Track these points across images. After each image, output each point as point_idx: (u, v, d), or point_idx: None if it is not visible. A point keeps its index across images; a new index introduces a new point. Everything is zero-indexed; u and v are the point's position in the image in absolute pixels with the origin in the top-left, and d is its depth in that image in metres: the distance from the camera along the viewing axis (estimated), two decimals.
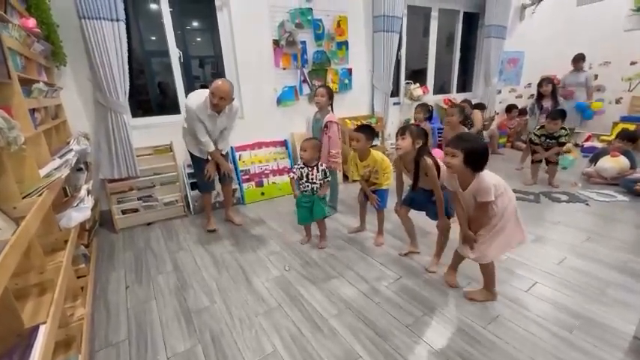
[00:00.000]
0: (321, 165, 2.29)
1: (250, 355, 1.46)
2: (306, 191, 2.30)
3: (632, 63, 5.02)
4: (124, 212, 2.88)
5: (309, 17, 3.49)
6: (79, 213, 1.61)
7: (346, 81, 3.95)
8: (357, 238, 2.52)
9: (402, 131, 1.89)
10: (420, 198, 2.02)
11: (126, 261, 2.35)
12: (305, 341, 1.53)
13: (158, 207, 3.00)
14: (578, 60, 4.70)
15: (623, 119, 4.94)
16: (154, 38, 4.25)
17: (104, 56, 2.53)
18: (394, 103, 4.51)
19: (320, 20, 3.57)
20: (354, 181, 3.71)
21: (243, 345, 1.52)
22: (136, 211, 2.92)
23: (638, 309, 1.54)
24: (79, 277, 1.70)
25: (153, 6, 3.20)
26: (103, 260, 2.37)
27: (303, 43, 3.53)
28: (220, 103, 2.30)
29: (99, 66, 2.53)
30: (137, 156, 2.88)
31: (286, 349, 1.48)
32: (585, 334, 1.49)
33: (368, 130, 2.21)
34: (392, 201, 2.37)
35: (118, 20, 2.54)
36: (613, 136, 4.71)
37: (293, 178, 2.33)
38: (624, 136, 3.53)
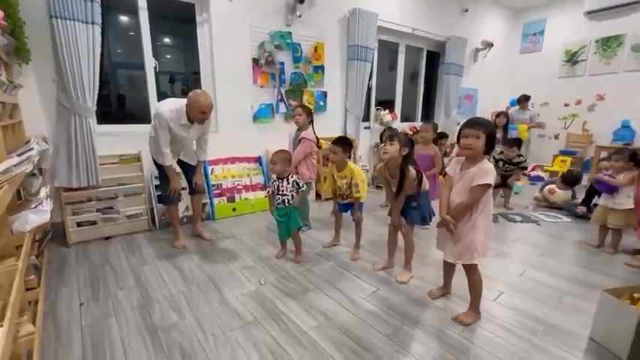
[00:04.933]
0: (292, 177, 2.30)
1: None
2: (279, 204, 2.29)
3: (566, 105, 5.80)
4: (79, 224, 2.63)
5: (288, 40, 3.64)
6: (37, 215, 1.46)
7: (321, 103, 4.10)
8: (332, 253, 2.51)
9: (390, 137, 1.89)
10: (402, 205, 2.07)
11: (79, 276, 2.12)
12: (285, 354, 1.46)
13: (119, 220, 2.78)
14: (523, 100, 5.34)
15: (562, 152, 5.62)
16: (119, 51, 4.16)
17: (74, 58, 2.42)
18: (365, 127, 4.73)
19: (298, 44, 3.73)
20: (327, 199, 3.79)
21: None
22: (93, 223, 2.68)
23: (590, 314, 1.68)
24: (27, 290, 1.50)
25: (130, 17, 3.16)
26: (52, 275, 2.11)
27: (282, 63, 3.65)
28: (205, 117, 2.28)
29: (67, 68, 2.41)
30: (100, 164, 2.69)
31: None
32: (548, 337, 1.59)
33: (344, 142, 2.28)
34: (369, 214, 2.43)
35: (93, 23, 2.47)
36: (553, 167, 5.32)
37: (269, 192, 2.32)
38: (566, 180, 3.85)
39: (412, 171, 1.91)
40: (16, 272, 1.09)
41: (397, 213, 2.06)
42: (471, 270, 1.67)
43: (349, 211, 2.45)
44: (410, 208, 2.04)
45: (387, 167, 2.02)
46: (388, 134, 1.95)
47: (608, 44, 5.25)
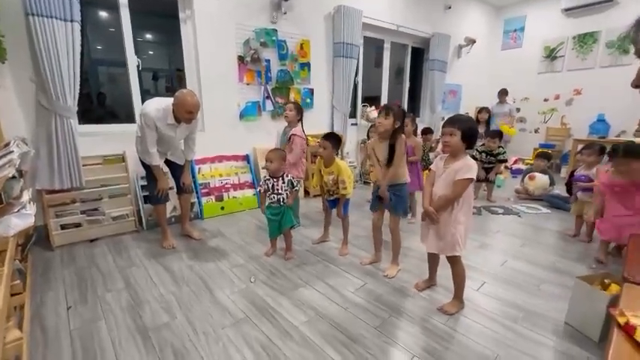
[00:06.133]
0: (287, 175, 2.32)
1: None
2: (273, 202, 2.31)
3: (545, 100, 5.99)
4: (63, 227, 2.58)
5: (274, 38, 3.63)
6: (21, 220, 1.43)
7: (308, 100, 4.11)
8: (321, 249, 2.55)
9: (385, 110, 1.94)
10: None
11: (65, 279, 2.09)
12: (276, 349, 1.49)
13: (105, 221, 2.74)
14: (502, 94, 5.55)
15: (541, 146, 5.80)
16: (99, 47, 4.05)
17: (53, 57, 2.35)
18: (352, 124, 4.77)
19: (284, 41, 3.72)
20: (315, 195, 3.82)
21: (209, 358, 1.44)
22: (78, 225, 2.63)
23: (566, 300, 1.78)
24: (12, 295, 1.48)
25: (110, 13, 3.09)
26: (37, 279, 2.08)
27: (268, 61, 3.63)
28: (191, 117, 2.27)
29: (46, 67, 2.34)
30: (83, 165, 2.64)
31: (257, 359, 1.43)
32: (528, 323, 1.68)
33: (334, 138, 2.33)
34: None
35: (72, 21, 2.40)
36: (533, 160, 5.50)
37: (261, 191, 2.34)
38: (541, 155, 4.25)
39: (402, 136, 1.97)
40: (1, 278, 1.08)
41: (385, 185, 2.03)
42: (455, 262, 1.74)
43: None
44: (395, 197, 2.07)
45: (379, 138, 2.04)
46: (383, 107, 1.97)
47: (585, 40, 5.44)
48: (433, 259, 1.95)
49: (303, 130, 2.80)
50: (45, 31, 2.30)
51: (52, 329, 1.63)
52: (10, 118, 2.41)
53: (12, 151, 1.65)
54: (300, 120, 2.81)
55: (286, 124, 2.84)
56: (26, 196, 1.62)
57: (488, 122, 4.94)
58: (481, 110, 4.98)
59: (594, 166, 2.65)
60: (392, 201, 2.08)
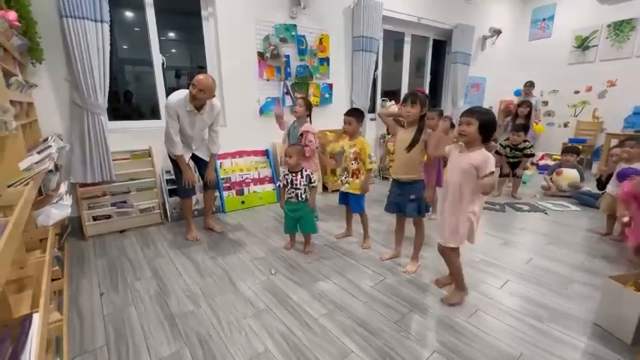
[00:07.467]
0: (306, 170, 2.34)
1: (241, 356, 1.43)
2: (291, 197, 2.33)
3: (576, 92, 5.69)
4: (95, 218, 2.73)
5: (293, 33, 3.64)
6: (59, 210, 1.53)
7: (327, 95, 4.11)
8: (340, 244, 2.57)
9: (412, 100, 1.90)
10: (396, 192, 2.11)
11: (98, 268, 2.21)
12: (297, 340, 1.52)
13: (133, 214, 2.87)
14: (528, 86, 5.33)
15: (571, 141, 5.53)
16: (125, 47, 4.20)
17: (85, 57, 2.47)
18: (371, 119, 4.72)
19: (303, 36, 3.73)
20: (333, 191, 3.83)
21: (233, 346, 1.49)
22: (108, 217, 2.77)
23: (595, 300, 1.72)
24: (52, 280, 1.58)
25: (135, 13, 3.19)
26: (72, 267, 2.21)
27: (287, 56, 3.65)
28: (199, 96, 2.27)
29: (79, 66, 2.46)
30: (113, 160, 2.77)
31: (278, 348, 1.47)
32: (554, 323, 1.63)
33: (357, 113, 2.41)
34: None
35: (102, 21, 2.51)
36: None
37: (280, 186, 2.37)
38: (569, 150, 4.06)
39: (430, 130, 1.96)
40: (44, 263, 1.17)
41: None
42: (448, 253, 1.78)
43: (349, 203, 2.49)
44: (407, 200, 2.05)
45: (406, 126, 2.03)
46: (408, 95, 1.94)
47: (621, 28, 5.11)
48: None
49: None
50: (77, 31, 2.42)
51: (87, 314, 1.73)
52: (47, 116, 2.56)
53: (50, 146, 1.75)
54: (309, 115, 2.82)
55: (295, 118, 2.85)
56: (63, 188, 1.72)
57: (528, 116, 4.72)
58: (521, 103, 4.76)
59: (637, 159, 2.51)
60: (412, 205, 2.03)
